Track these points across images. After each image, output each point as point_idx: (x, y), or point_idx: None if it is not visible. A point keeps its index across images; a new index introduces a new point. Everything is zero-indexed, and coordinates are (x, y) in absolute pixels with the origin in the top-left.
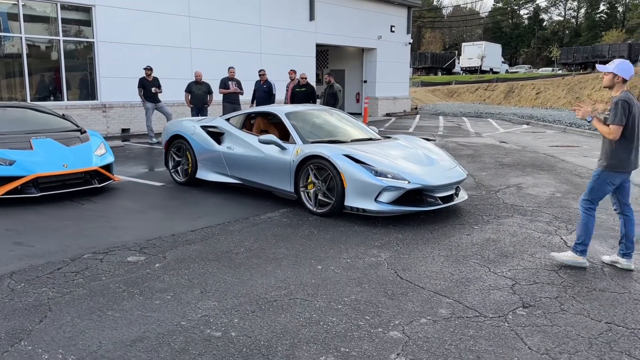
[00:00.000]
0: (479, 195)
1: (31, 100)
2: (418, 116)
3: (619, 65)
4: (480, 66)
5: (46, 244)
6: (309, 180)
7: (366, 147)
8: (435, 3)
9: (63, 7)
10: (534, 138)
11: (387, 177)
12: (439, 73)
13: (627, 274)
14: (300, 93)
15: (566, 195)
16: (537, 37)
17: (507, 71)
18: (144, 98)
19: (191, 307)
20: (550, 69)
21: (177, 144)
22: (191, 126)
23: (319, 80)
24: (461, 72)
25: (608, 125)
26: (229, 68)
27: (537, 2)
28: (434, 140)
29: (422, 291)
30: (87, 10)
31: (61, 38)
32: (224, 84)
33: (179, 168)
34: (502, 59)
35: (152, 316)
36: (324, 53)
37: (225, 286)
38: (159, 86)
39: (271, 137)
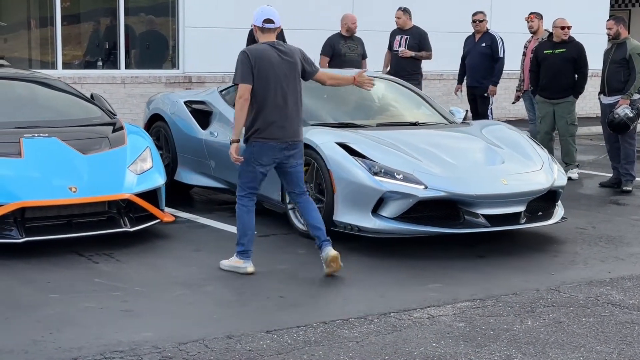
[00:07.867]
0: None
1: (63, 68)
2: None
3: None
4: None
5: None
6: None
7: (392, 133)
8: None
9: None
10: None
11: (394, 179)
12: None
13: None
14: (554, 57)
15: None
16: None
17: None
18: None
19: None
20: None
21: (157, 128)
22: (173, 101)
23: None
24: None
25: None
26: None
27: None
28: None
29: None
30: None
31: None
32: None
33: None
34: None
35: None
36: None
37: None
38: None
39: None
